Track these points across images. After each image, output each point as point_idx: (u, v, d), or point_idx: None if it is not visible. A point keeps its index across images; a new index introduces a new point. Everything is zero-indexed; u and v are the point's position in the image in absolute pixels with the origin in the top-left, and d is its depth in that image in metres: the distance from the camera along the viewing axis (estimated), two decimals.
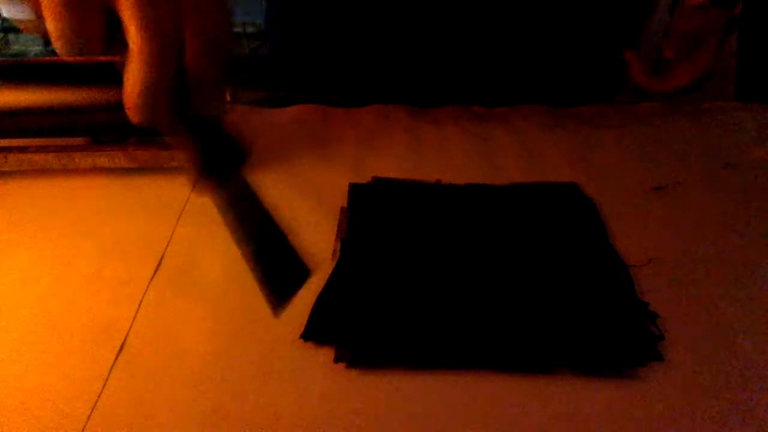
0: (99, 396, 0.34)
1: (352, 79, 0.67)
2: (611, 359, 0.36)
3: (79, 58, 0.48)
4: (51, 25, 0.29)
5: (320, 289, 0.40)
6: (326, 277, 0.41)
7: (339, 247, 0.44)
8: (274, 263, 0.34)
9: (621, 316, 0.38)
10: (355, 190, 0.49)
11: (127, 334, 0.38)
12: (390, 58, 0.65)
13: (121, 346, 0.37)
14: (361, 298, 0.39)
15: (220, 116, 0.35)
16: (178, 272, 0.43)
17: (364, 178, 0.51)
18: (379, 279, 0.41)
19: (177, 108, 0.31)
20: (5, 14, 0.45)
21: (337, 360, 0.36)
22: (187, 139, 0.33)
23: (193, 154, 0.33)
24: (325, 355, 0.36)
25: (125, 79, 0.30)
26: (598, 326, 0.37)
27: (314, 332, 0.37)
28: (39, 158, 0.50)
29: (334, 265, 0.42)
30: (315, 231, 0.45)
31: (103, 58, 0.48)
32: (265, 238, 0.35)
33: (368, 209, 0.47)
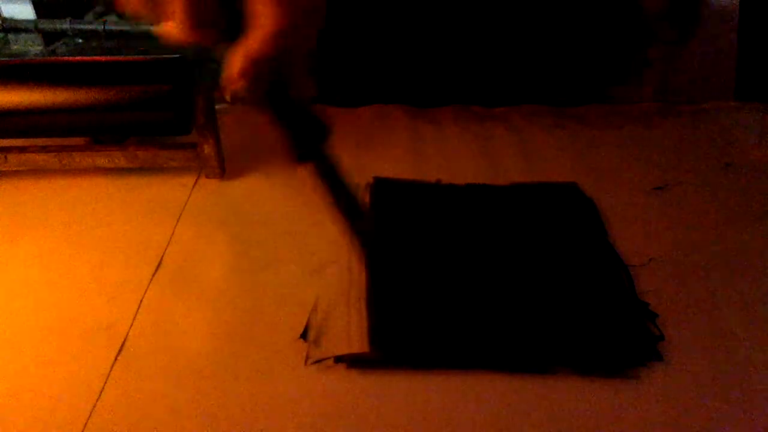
0: (99, 396, 0.34)
1: (352, 79, 0.67)
2: (611, 359, 0.36)
3: (77, 58, 0.48)
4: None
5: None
6: (326, 277, 0.41)
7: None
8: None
9: (621, 316, 0.38)
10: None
11: (127, 334, 0.38)
12: (390, 58, 0.65)
13: (121, 346, 0.37)
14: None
15: (308, 94, 0.37)
16: (178, 272, 0.43)
17: (364, 178, 0.51)
18: (378, 279, 0.41)
19: (272, 84, 0.34)
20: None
21: (337, 360, 0.36)
22: (276, 116, 0.35)
23: (284, 131, 0.35)
24: None
25: (240, 49, 0.32)
26: (598, 326, 0.37)
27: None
28: (39, 158, 0.50)
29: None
30: (315, 231, 0.45)
31: (103, 59, 0.48)
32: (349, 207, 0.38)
33: (368, 209, 0.47)
